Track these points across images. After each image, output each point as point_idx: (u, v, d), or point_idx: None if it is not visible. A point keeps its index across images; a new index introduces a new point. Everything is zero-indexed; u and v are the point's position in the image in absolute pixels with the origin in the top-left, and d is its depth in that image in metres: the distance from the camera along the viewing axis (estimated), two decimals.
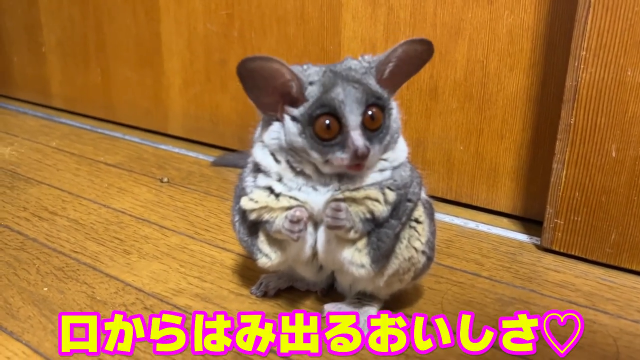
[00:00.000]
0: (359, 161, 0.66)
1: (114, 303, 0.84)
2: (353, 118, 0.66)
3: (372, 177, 0.71)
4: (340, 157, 0.66)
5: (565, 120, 0.94)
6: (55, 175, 1.36)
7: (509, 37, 1.06)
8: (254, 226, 0.76)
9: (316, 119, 0.66)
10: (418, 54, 0.70)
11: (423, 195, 0.79)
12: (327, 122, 0.66)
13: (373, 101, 0.67)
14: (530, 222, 1.13)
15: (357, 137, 0.65)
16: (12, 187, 1.28)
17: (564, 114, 0.95)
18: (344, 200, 0.70)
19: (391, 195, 0.70)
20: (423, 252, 0.76)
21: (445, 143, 1.18)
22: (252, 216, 0.73)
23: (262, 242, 0.76)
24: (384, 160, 0.72)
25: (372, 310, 0.80)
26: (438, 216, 0.83)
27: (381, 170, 0.72)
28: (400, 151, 0.74)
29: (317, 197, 0.71)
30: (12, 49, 2.02)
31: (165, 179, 1.34)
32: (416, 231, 0.75)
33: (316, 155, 0.68)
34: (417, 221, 0.75)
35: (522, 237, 1.08)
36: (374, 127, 0.68)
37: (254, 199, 0.73)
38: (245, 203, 0.74)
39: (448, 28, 1.11)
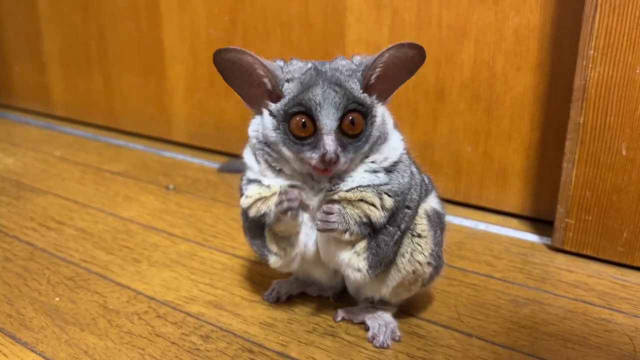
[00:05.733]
0: (327, 166, 0.65)
1: (126, 312, 0.83)
2: (328, 122, 0.65)
3: (363, 177, 0.70)
4: (310, 157, 0.66)
5: (575, 119, 0.94)
6: (61, 185, 1.35)
7: (515, 37, 1.06)
8: (259, 227, 0.76)
9: (292, 116, 0.66)
10: (409, 58, 0.67)
11: (430, 204, 0.78)
12: (303, 121, 0.65)
13: (354, 107, 0.66)
14: (541, 223, 1.13)
15: (329, 142, 0.65)
16: (18, 197, 1.28)
17: (573, 113, 0.95)
18: (338, 201, 0.69)
19: (389, 202, 0.69)
20: (428, 264, 0.75)
21: (453, 144, 1.17)
22: (252, 213, 0.73)
23: (269, 241, 0.76)
24: (372, 162, 0.70)
25: (387, 315, 0.80)
26: (447, 218, 0.83)
27: (372, 172, 0.70)
28: (390, 150, 0.71)
29: (309, 194, 0.71)
30: (13, 58, 2.02)
31: (172, 186, 1.34)
32: (419, 245, 0.74)
33: (287, 152, 0.68)
34: (419, 236, 0.74)
35: (533, 238, 1.08)
36: (354, 133, 0.67)
37: (248, 195, 0.73)
38: (242, 202, 0.74)
39: (454, 30, 1.11)
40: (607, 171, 0.94)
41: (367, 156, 0.70)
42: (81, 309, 0.84)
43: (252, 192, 0.73)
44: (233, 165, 1.43)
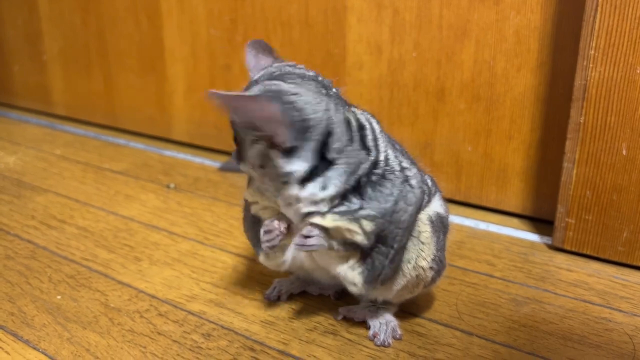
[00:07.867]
0: None
1: (128, 310, 0.84)
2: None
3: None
4: None
5: (575, 119, 0.94)
6: (61, 184, 1.36)
7: (516, 37, 1.06)
8: (256, 222, 0.77)
9: None
10: None
11: (434, 208, 0.77)
12: None
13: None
14: (541, 222, 1.13)
15: None
16: (19, 195, 1.28)
17: (573, 113, 0.95)
18: (319, 225, 0.69)
19: (369, 226, 0.68)
20: (430, 268, 0.75)
21: (454, 144, 1.18)
22: (252, 209, 0.76)
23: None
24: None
25: (388, 314, 0.80)
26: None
27: (315, 203, 0.68)
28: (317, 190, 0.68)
29: (286, 210, 0.71)
30: (13, 57, 2.02)
31: (172, 185, 1.34)
32: (422, 252, 0.74)
33: None
34: (423, 243, 0.74)
35: (533, 237, 1.08)
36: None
37: (250, 193, 0.76)
38: (245, 195, 0.77)
39: (454, 29, 1.11)
40: (607, 171, 0.94)
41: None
42: (83, 307, 0.84)
43: (251, 193, 0.75)
44: (234, 164, 1.43)
